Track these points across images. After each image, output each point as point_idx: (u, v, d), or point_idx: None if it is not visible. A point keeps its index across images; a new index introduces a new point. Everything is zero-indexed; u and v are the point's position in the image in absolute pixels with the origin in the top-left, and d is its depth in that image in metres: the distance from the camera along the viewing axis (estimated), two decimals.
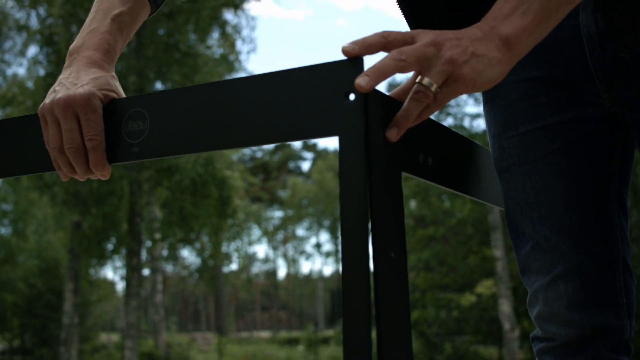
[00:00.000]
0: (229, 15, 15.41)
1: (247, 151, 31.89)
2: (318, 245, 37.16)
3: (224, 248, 23.34)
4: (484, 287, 17.05)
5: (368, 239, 0.88)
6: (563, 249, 1.33)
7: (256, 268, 43.33)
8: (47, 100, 1.21)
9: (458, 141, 1.23)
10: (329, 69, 0.96)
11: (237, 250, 27.67)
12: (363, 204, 0.89)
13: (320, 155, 37.50)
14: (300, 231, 37.73)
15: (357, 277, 0.88)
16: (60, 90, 1.21)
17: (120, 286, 35.63)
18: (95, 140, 1.17)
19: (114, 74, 1.28)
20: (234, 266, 36.26)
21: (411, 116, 0.97)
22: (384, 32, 0.99)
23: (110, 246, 15.00)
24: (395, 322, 0.92)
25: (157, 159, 1.26)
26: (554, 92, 1.35)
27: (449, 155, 1.17)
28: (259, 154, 35.68)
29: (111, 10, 1.32)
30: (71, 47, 1.31)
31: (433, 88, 0.96)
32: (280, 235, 37.94)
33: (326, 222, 35.17)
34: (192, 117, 1.08)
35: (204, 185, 13.65)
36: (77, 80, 1.22)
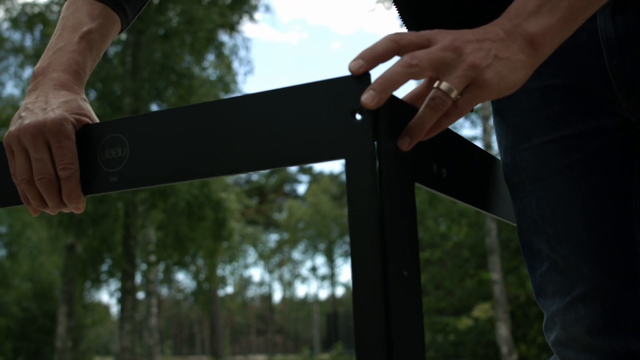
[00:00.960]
0: (224, 37, 15.40)
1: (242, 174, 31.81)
2: (314, 269, 37.01)
3: (220, 271, 23.22)
4: (481, 310, 16.96)
5: (380, 257, 0.80)
6: (582, 268, 1.24)
7: (251, 291, 43.17)
8: (12, 127, 1.11)
9: (473, 152, 1.14)
10: (332, 85, 0.88)
11: (232, 273, 27.52)
12: (374, 227, 0.81)
13: (316, 178, 37.44)
14: (296, 254, 37.61)
15: (371, 300, 0.80)
16: (27, 116, 1.11)
17: (115, 309, 35.42)
18: (70, 170, 1.08)
19: (84, 96, 1.20)
20: (229, 289, 36.08)
21: (426, 125, 0.88)
22: (396, 35, 0.90)
23: (105, 267, 14.93)
24: (409, 346, 0.83)
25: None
26: (569, 102, 1.26)
27: (464, 166, 1.09)
28: (254, 177, 35.62)
29: (79, 28, 1.23)
30: (36, 68, 1.21)
31: (453, 94, 0.88)
32: (276, 259, 37.80)
33: (321, 246, 35.05)
34: (178, 142, 0.98)
35: (199, 207, 13.61)
36: (45, 104, 1.13)
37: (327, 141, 0.87)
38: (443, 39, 0.90)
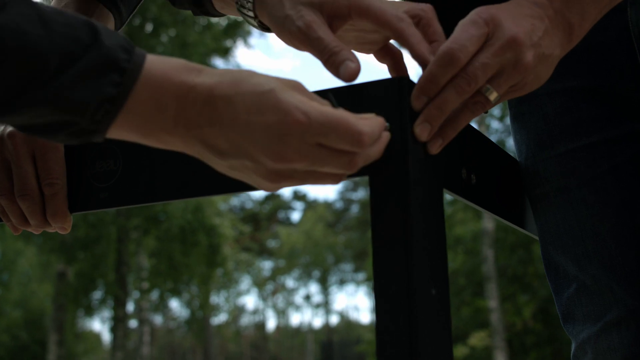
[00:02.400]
0: (218, 62, 15.37)
1: (235, 201, 31.73)
2: (308, 297, 36.87)
3: (213, 299, 23.09)
4: (478, 338, 16.87)
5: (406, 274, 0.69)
6: (615, 290, 1.11)
7: (245, 319, 42.94)
8: None
9: (505, 159, 1.03)
10: (359, 91, 0.77)
11: (227, 300, 27.37)
12: (400, 240, 0.70)
13: (311, 205, 37.33)
14: (290, 282, 37.48)
15: (396, 322, 0.68)
16: None
17: (107, 338, 35.19)
18: (56, 185, 0.96)
19: None
20: (222, 317, 35.86)
21: (461, 127, 0.80)
22: (456, 43, 0.77)
23: (97, 295, 14.86)
24: None
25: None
26: (597, 105, 1.15)
27: (493, 174, 0.97)
28: (248, 204, 35.51)
29: None
30: None
31: (493, 98, 0.79)
32: (269, 287, 37.64)
33: (316, 273, 34.94)
34: (178, 155, 0.84)
35: (193, 232, 13.54)
36: None
37: None
38: (502, 30, 0.79)
